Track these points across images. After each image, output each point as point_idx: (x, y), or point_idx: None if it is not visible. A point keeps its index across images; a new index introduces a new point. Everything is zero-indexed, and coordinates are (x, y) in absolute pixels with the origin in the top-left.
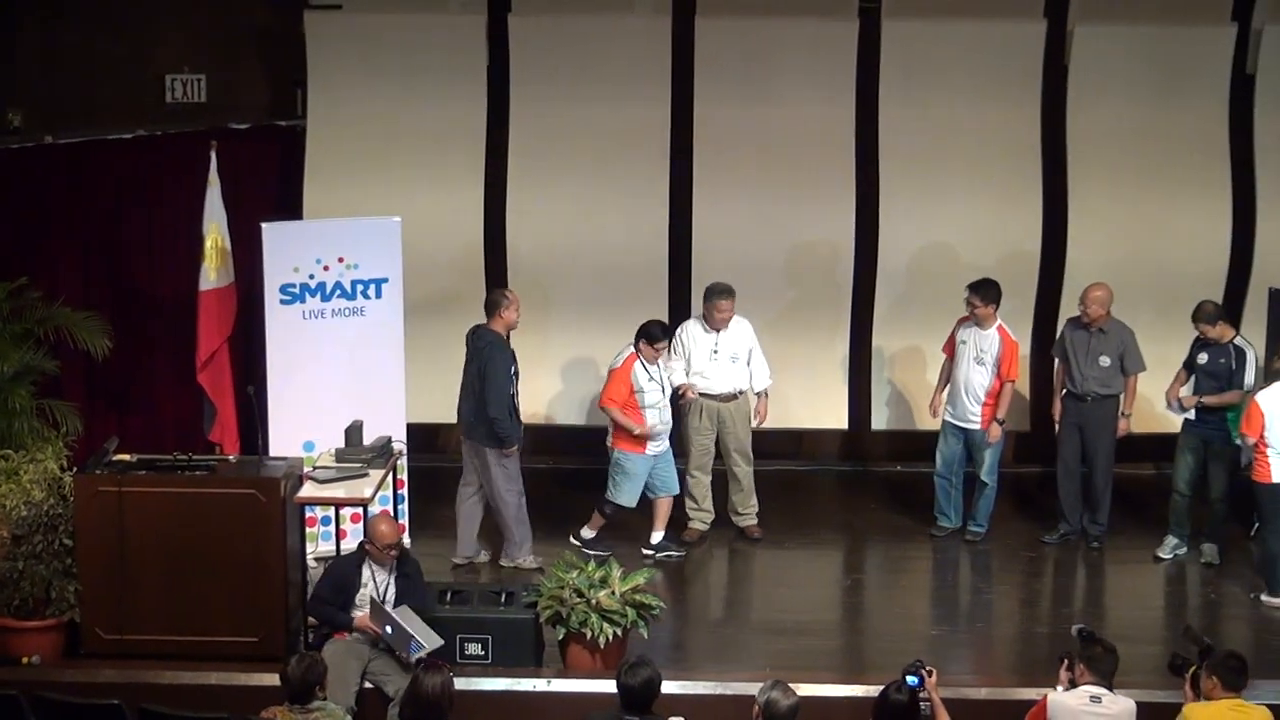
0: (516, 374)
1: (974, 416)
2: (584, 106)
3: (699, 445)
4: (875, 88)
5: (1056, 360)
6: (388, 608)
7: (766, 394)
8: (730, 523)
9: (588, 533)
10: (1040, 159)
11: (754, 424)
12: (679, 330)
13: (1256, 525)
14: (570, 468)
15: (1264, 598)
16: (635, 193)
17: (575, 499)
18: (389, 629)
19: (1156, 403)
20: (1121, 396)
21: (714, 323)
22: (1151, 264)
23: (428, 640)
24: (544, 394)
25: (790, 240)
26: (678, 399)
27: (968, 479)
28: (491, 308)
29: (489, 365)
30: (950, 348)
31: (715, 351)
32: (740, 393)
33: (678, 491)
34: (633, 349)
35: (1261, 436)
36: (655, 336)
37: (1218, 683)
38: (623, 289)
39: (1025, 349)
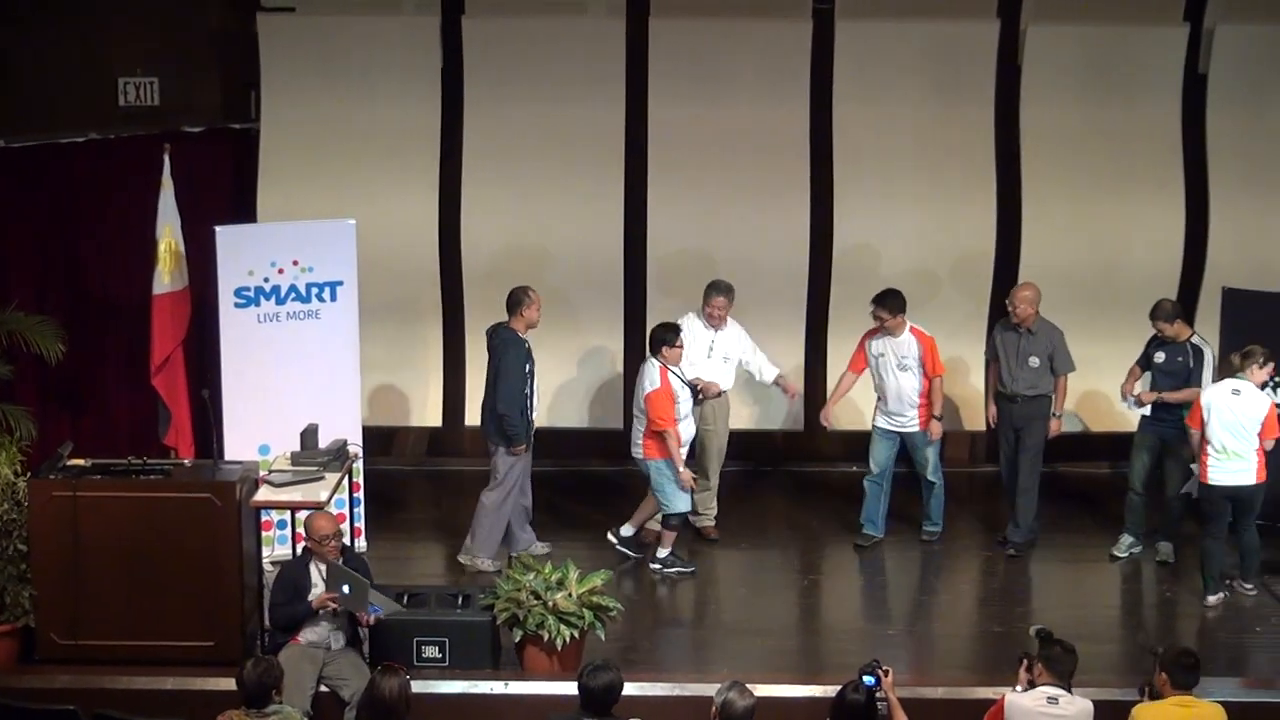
0: (532, 373)
1: (911, 421)
2: (538, 108)
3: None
4: (829, 88)
5: (987, 361)
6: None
7: (781, 375)
8: (688, 522)
9: (663, 552)
10: (994, 159)
11: (790, 397)
12: (682, 320)
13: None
14: (535, 470)
15: (1236, 586)
16: (590, 194)
17: (542, 500)
18: (346, 588)
19: (1113, 401)
20: (1052, 397)
21: (711, 320)
22: (1105, 263)
23: (385, 605)
24: None
25: (745, 241)
26: (697, 395)
27: (911, 481)
28: (514, 305)
29: (503, 362)
30: (860, 363)
31: (712, 349)
32: (724, 392)
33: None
34: (657, 363)
35: (1203, 434)
36: (671, 340)
37: (1168, 679)
38: (578, 290)
39: (980, 349)
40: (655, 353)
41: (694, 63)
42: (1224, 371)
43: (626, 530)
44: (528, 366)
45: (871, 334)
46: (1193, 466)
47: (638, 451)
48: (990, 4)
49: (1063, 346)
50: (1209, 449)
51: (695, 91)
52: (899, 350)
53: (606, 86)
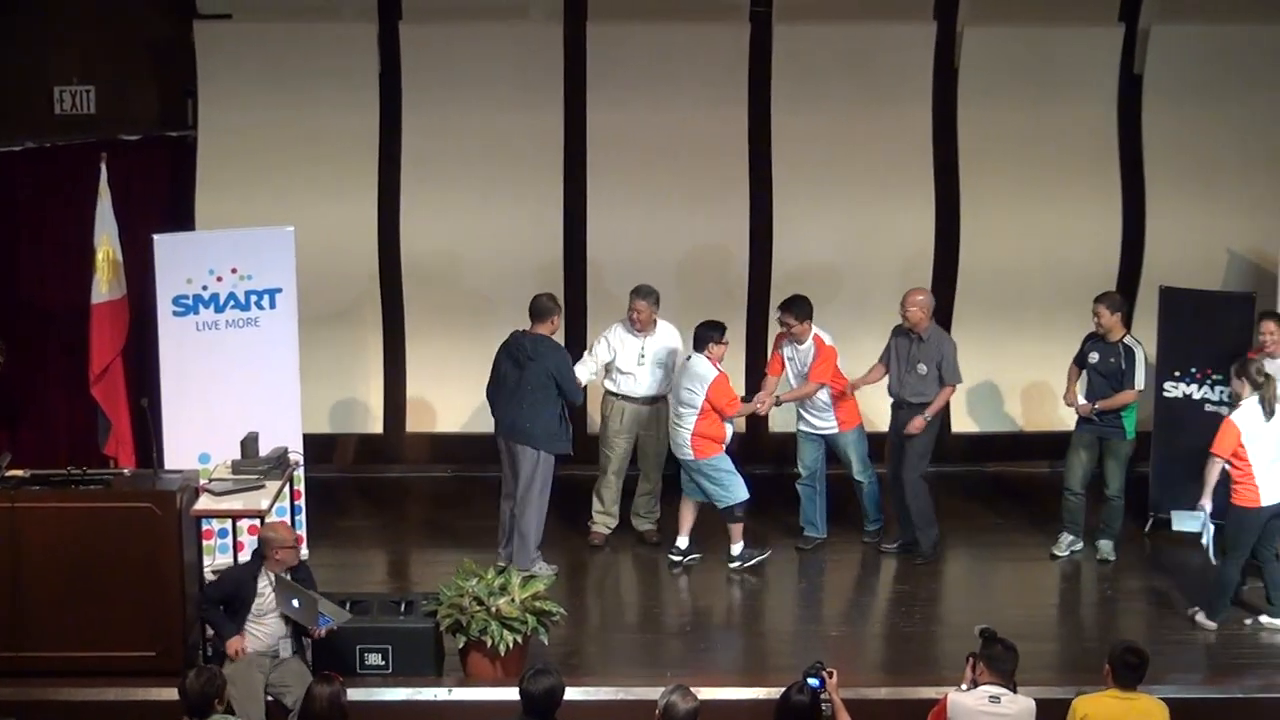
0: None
1: (830, 424)
2: (477, 113)
3: (618, 449)
4: (768, 91)
5: (876, 365)
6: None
7: None
8: (630, 528)
9: (737, 548)
10: (932, 160)
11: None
12: (606, 331)
13: (1151, 521)
14: (473, 475)
15: (1199, 619)
16: (529, 198)
17: (484, 507)
18: (296, 602)
19: (1049, 401)
20: (939, 396)
21: (633, 325)
22: (1043, 263)
23: (335, 615)
24: (441, 401)
25: (684, 245)
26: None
27: (844, 483)
28: (545, 313)
29: (563, 367)
30: (777, 367)
31: (642, 355)
32: (662, 398)
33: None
34: (705, 357)
35: (1237, 455)
36: (718, 338)
37: (1110, 674)
38: (517, 294)
39: None
40: (701, 349)
41: (632, 66)
42: (1232, 392)
43: (682, 542)
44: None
45: (782, 337)
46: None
47: (687, 453)
48: (927, 6)
49: (951, 357)
50: (1254, 470)
51: (634, 95)
52: (802, 357)
53: (545, 91)
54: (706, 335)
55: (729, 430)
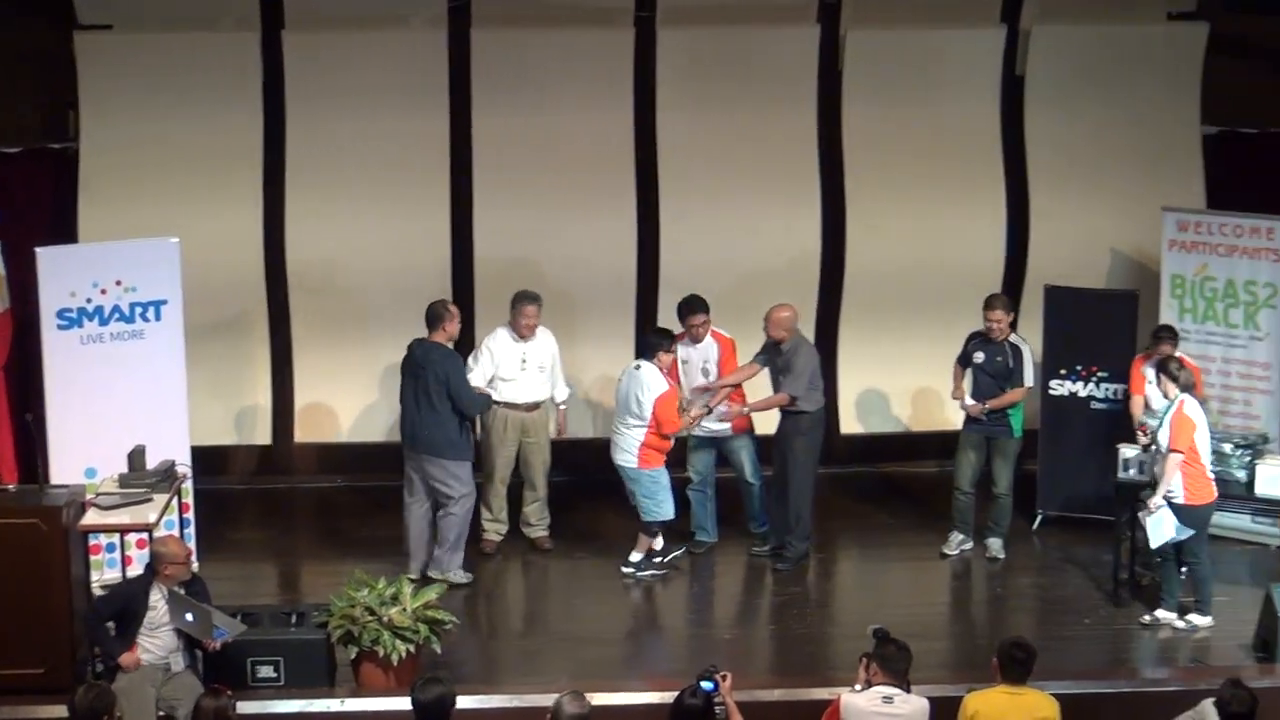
0: None
1: (721, 428)
2: (361, 121)
3: (502, 456)
4: (653, 95)
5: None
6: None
7: (566, 405)
8: (521, 535)
9: (636, 556)
10: (818, 162)
11: (554, 435)
12: (486, 339)
13: (1039, 519)
14: (363, 485)
15: (1191, 617)
16: (415, 205)
17: (375, 516)
18: (190, 616)
19: (938, 401)
20: (808, 413)
21: (521, 330)
22: (929, 263)
23: (230, 627)
24: (330, 411)
25: (572, 250)
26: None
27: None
28: (437, 320)
29: (454, 375)
30: (675, 373)
31: (524, 361)
32: (542, 403)
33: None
34: (655, 366)
35: (1193, 449)
36: (668, 345)
37: (998, 669)
38: (405, 302)
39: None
40: (650, 357)
41: (517, 72)
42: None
43: (636, 556)
44: None
45: (676, 340)
46: (1158, 501)
47: (629, 460)
48: (810, 10)
49: (800, 369)
50: (1206, 465)
51: (519, 100)
52: (702, 355)
53: (430, 97)
54: (655, 343)
55: (671, 440)
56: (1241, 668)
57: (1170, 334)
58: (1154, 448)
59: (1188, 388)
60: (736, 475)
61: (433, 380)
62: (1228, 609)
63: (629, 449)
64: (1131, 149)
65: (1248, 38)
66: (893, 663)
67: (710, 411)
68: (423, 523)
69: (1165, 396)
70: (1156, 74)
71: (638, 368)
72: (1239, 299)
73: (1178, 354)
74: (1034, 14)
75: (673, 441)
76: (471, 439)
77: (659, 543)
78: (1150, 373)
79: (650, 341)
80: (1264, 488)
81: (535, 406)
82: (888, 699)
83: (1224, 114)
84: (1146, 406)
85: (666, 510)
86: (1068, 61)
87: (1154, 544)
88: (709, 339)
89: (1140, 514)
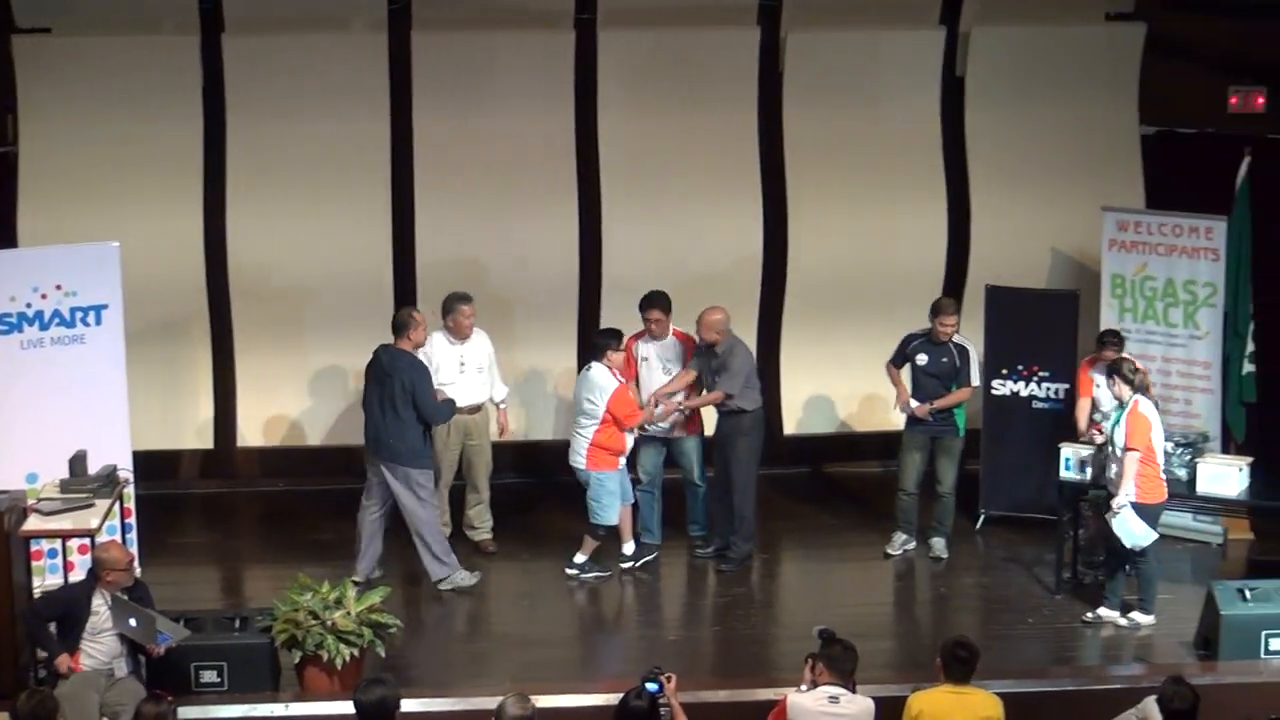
0: None
1: (663, 426)
2: (303, 124)
3: (446, 461)
4: (594, 98)
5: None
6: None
7: (505, 404)
8: (465, 538)
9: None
10: (759, 164)
11: (496, 435)
12: (428, 341)
13: (982, 518)
14: (306, 489)
15: (1134, 615)
16: (357, 208)
17: (319, 520)
18: (133, 622)
19: (880, 402)
20: (748, 413)
21: (459, 332)
22: (871, 264)
23: (174, 632)
24: (272, 415)
25: (515, 251)
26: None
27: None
28: (401, 328)
29: (419, 383)
30: (631, 371)
31: (463, 363)
32: (482, 404)
33: (633, 499)
34: (604, 366)
35: (1149, 449)
36: (616, 345)
37: (941, 669)
38: (349, 305)
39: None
40: (599, 358)
41: (458, 74)
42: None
43: (628, 549)
44: None
45: (637, 338)
46: (1120, 502)
47: (580, 461)
48: (750, 12)
49: (733, 367)
50: (1160, 464)
51: (460, 103)
52: (664, 353)
53: (370, 100)
54: (604, 343)
55: (629, 441)
56: (1183, 665)
57: (1116, 339)
58: (1110, 448)
59: (1142, 389)
60: (684, 477)
61: (399, 388)
62: (1170, 607)
63: (579, 450)
64: (1071, 149)
65: (1185, 38)
66: (838, 663)
67: (683, 411)
68: (374, 527)
69: (1118, 399)
70: (1095, 74)
71: (589, 369)
72: (1179, 298)
73: (1125, 355)
74: (974, 15)
75: (629, 446)
76: (432, 446)
77: (629, 548)
78: (1099, 377)
79: (598, 343)
80: (1205, 486)
81: (476, 409)
82: (833, 699)
83: (1162, 114)
84: (1096, 409)
85: (609, 517)
86: (1007, 62)
87: (1129, 545)
88: (672, 338)
89: (1106, 516)
